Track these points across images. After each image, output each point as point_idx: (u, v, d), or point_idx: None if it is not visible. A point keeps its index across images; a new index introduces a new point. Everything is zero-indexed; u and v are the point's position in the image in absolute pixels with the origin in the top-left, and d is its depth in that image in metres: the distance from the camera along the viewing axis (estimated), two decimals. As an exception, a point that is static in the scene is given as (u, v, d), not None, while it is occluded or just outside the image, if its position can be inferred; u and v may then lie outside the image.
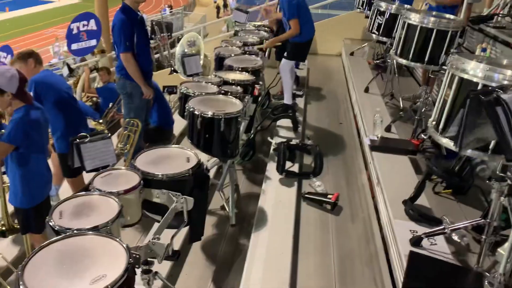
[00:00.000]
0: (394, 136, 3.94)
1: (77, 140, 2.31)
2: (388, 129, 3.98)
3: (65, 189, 4.12)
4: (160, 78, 5.83)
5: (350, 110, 5.44)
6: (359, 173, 4.01)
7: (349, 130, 4.94)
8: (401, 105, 4.34)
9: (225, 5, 28.91)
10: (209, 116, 2.93)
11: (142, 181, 2.25)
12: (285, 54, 4.94)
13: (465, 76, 2.05)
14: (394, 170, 3.43)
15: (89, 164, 2.36)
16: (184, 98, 3.45)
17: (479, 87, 1.97)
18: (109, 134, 2.42)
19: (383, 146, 3.67)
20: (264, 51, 5.16)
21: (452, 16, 3.73)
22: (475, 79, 2.00)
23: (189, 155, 2.55)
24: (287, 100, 5.18)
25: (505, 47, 4.90)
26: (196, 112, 2.95)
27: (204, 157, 3.02)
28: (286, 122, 4.76)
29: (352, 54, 6.83)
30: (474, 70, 2.02)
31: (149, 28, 4.93)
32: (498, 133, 1.29)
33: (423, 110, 3.71)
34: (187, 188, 2.36)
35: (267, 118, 4.81)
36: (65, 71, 6.90)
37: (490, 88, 1.33)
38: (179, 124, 5.16)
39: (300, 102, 5.63)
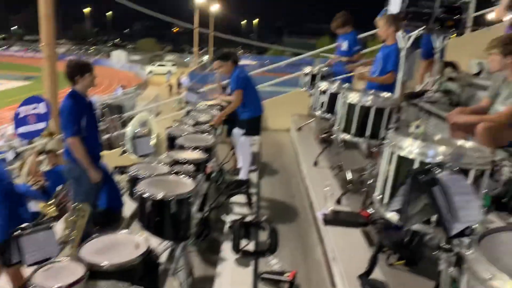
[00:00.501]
0: (345, 208, 4.02)
1: (17, 232, 2.18)
2: (338, 202, 4.07)
3: (2, 284, 3.79)
4: (111, 158, 5.74)
5: (301, 184, 5.54)
6: (315, 248, 3.99)
7: (302, 203, 4.99)
8: (349, 177, 4.48)
9: (178, 84, 29.71)
10: (159, 198, 2.88)
11: (87, 273, 2.12)
12: (243, 131, 5.11)
13: (402, 153, 2.18)
14: (347, 244, 3.45)
15: (29, 258, 2.22)
16: (134, 180, 3.40)
17: (416, 162, 2.10)
18: (52, 224, 2.31)
19: (335, 219, 3.72)
20: (215, 128, 5.29)
21: (388, 94, 4.03)
22: (411, 156, 2.13)
23: (138, 241, 2.46)
24: (244, 175, 5.23)
25: (438, 120, 5.30)
26: (145, 195, 2.90)
27: (155, 240, 2.92)
28: (240, 198, 4.75)
29: (299, 129, 7.11)
30: (410, 147, 2.16)
31: (99, 111, 4.96)
32: (436, 212, 1.36)
33: (369, 182, 3.85)
34: (136, 277, 2.25)
35: (221, 195, 4.79)
36: (10, 155, 6.66)
37: (428, 166, 1.42)
38: (129, 206, 5.01)
39: (254, 177, 5.68)
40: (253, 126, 5.19)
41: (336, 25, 6.50)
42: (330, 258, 3.49)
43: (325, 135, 5.92)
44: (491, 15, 5.84)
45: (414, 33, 5.21)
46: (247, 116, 5.10)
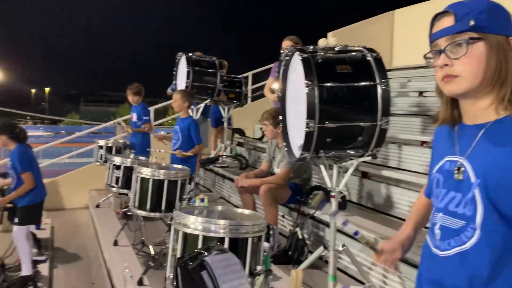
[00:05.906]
0: (147, 288, 3.83)
1: None
2: (140, 282, 3.86)
3: None
4: None
5: (103, 266, 5.11)
6: None
7: (103, 289, 4.58)
8: (152, 252, 4.34)
9: None
10: None
11: None
12: (16, 220, 4.45)
13: (188, 231, 2.22)
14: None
15: None
16: None
17: (200, 239, 2.15)
18: None
19: (137, 304, 3.50)
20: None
21: (180, 166, 4.14)
22: (196, 232, 2.19)
23: None
24: (27, 270, 4.52)
25: (231, 182, 5.70)
26: None
27: None
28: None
29: (98, 206, 6.69)
30: (194, 224, 2.21)
31: None
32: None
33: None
34: None
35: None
36: None
37: (195, 251, 1.46)
38: None
39: (44, 268, 4.98)
40: (31, 215, 4.60)
41: (128, 95, 6.53)
42: None
43: (125, 209, 5.68)
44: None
45: (201, 105, 5.62)
46: (23, 204, 4.50)
